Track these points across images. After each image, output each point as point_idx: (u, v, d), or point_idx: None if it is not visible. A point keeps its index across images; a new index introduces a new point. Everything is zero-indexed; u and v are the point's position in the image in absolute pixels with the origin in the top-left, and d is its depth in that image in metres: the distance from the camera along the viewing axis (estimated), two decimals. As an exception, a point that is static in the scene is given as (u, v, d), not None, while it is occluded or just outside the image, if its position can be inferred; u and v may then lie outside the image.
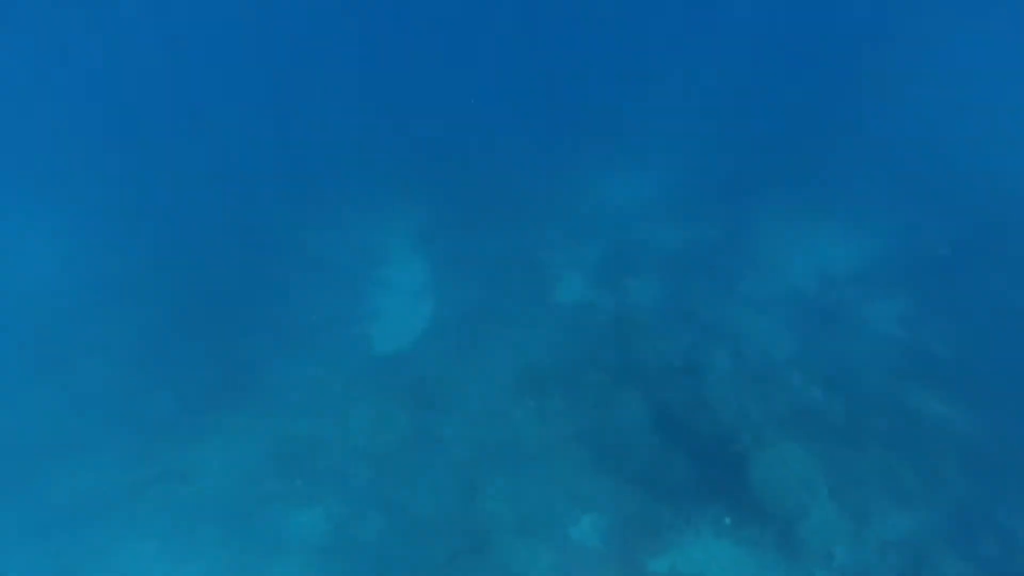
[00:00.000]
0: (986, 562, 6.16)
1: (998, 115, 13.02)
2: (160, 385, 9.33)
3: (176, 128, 14.86)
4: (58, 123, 15.70)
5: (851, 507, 6.58)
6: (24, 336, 10.28)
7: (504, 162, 13.14)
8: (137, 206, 13.43)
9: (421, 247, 12.02)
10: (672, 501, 6.87)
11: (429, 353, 9.78)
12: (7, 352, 9.99)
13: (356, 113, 14.70)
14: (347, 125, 14.69)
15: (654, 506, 6.97)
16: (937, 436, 7.46)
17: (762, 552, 6.30)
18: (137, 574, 7.38)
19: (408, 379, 9.25)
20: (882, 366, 8.54)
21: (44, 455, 8.51)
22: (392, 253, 12.05)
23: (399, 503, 7.85)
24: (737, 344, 8.86)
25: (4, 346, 10.11)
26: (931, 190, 11.37)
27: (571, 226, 11.83)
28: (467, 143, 14.05)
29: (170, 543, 7.77)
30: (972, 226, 10.63)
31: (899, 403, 7.98)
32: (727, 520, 6.56)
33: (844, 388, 8.15)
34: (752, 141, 13.27)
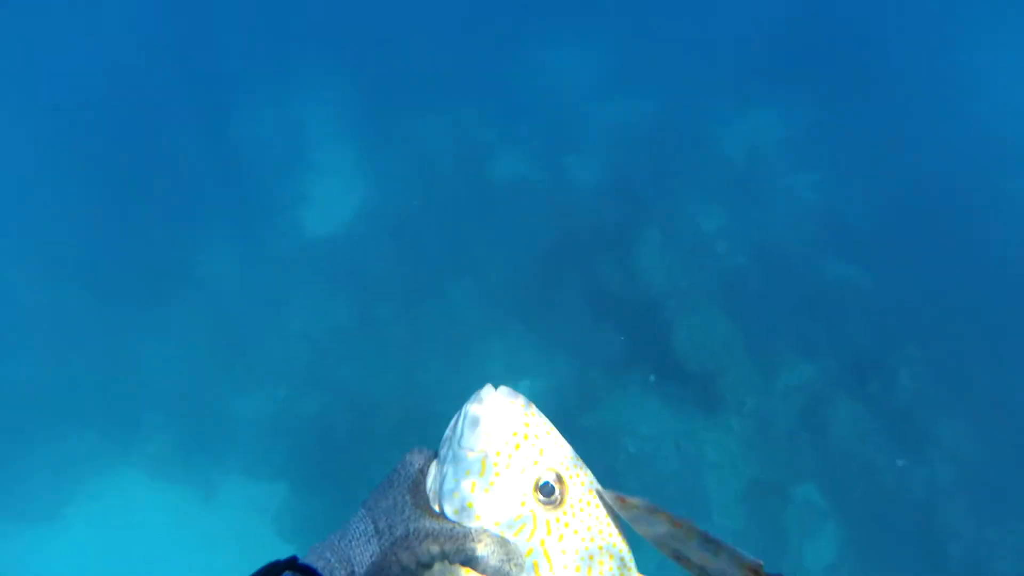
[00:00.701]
0: (870, 398, 6.97)
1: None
2: (81, 282, 8.91)
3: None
4: None
5: (763, 362, 7.20)
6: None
7: (436, 35, 12.34)
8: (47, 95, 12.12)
9: (349, 127, 11.45)
10: (602, 365, 7.31)
11: (363, 236, 9.64)
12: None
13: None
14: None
15: (586, 370, 7.41)
16: (843, 295, 8.09)
17: (683, 405, 6.89)
18: (81, 462, 7.45)
19: (342, 263, 9.17)
20: (800, 234, 9.01)
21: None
22: (319, 134, 11.45)
23: (340, 383, 8.05)
24: (669, 217, 9.10)
25: None
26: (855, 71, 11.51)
27: (507, 102, 11.45)
28: (395, 13, 13.04)
29: (112, 430, 7.81)
30: (892, 105, 10.92)
31: (813, 268, 8.53)
32: (652, 378, 7.08)
33: (765, 256, 8.60)
34: (692, 16, 12.88)
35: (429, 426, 7.77)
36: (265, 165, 10.83)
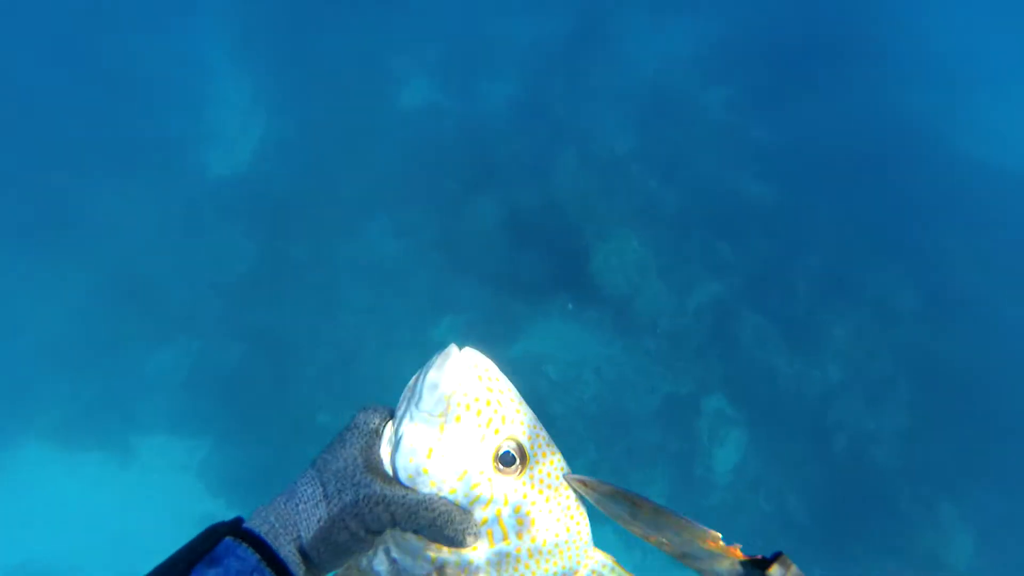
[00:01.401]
0: (771, 310, 7.47)
1: None
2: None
3: None
4: None
5: (675, 283, 7.50)
6: None
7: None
8: None
9: (248, 54, 10.52)
10: (523, 295, 7.42)
11: (270, 173, 9.12)
12: None
13: None
14: None
15: (507, 301, 7.50)
16: (750, 213, 8.43)
17: (600, 330, 7.16)
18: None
19: (250, 203, 8.68)
20: (711, 153, 9.20)
21: None
22: (215, 63, 10.49)
23: (259, 330, 7.83)
24: (585, 141, 9.05)
25: None
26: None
27: (415, 23, 10.77)
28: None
29: (19, 396, 7.35)
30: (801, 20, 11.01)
31: (722, 186, 8.79)
32: (570, 306, 7.27)
33: (677, 177, 8.77)
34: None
35: (353, 368, 7.77)
36: (154, 100, 9.88)
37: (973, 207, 8.94)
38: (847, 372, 7.33)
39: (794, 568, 0.83)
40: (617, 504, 0.92)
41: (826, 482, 6.70)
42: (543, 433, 0.96)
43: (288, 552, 0.88)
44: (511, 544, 0.94)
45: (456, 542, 0.89)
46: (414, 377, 0.96)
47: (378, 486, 0.89)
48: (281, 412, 7.32)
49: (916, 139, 9.58)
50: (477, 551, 0.93)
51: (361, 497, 0.88)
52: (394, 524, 0.89)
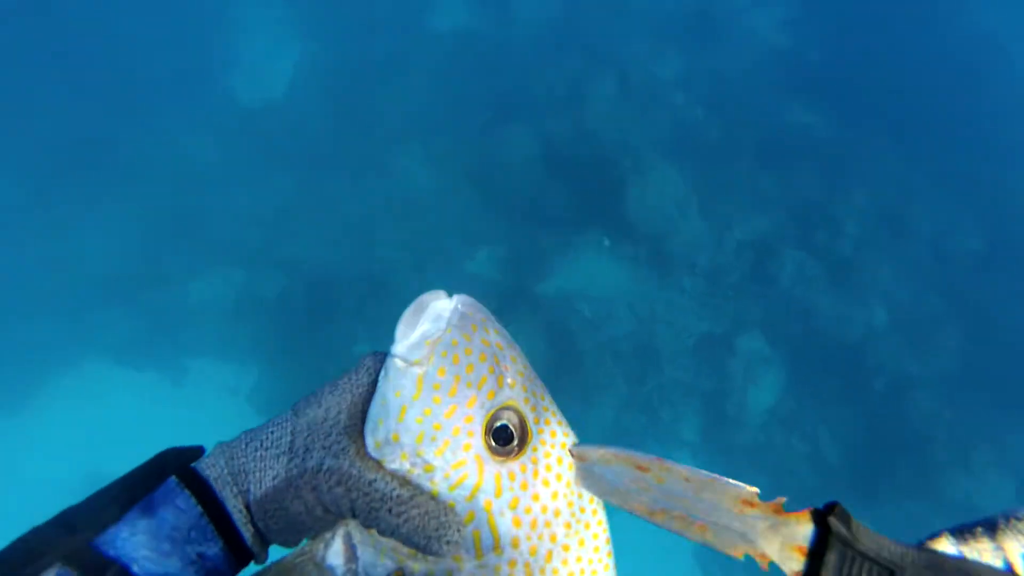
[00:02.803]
0: (816, 248, 7.19)
1: None
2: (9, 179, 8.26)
3: None
4: None
5: (715, 218, 7.25)
6: None
7: None
8: None
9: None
10: (556, 229, 7.30)
11: (302, 104, 9.01)
12: None
13: None
14: None
15: (540, 235, 7.40)
16: (798, 143, 7.99)
17: (636, 267, 7.03)
18: (43, 356, 7.45)
19: (284, 135, 8.64)
20: (760, 78, 8.66)
21: None
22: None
23: (296, 261, 7.95)
24: (624, 67, 8.61)
25: None
26: None
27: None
28: None
29: (72, 324, 7.73)
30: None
31: (771, 115, 8.32)
32: (606, 242, 7.13)
33: (723, 105, 8.31)
34: None
35: (387, 300, 7.88)
36: (187, 27, 9.73)
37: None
38: (893, 314, 7.09)
39: (855, 522, 0.66)
40: (614, 474, 0.72)
41: (861, 424, 6.62)
42: (553, 407, 0.76)
43: (234, 507, 0.73)
44: (504, 555, 0.71)
45: (429, 550, 0.70)
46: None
47: (348, 458, 0.70)
48: (323, 342, 7.53)
49: (985, 65, 8.82)
50: (459, 562, 0.71)
51: (325, 467, 0.70)
52: (353, 514, 0.71)
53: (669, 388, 6.67)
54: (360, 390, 0.75)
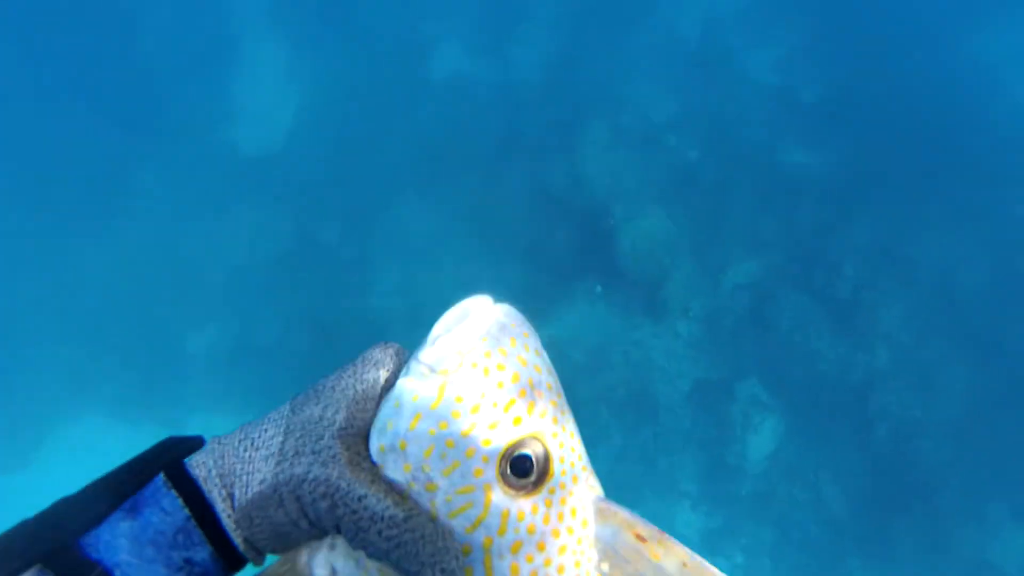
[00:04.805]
0: (814, 290, 7.06)
1: None
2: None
3: None
4: None
5: (710, 262, 7.17)
6: None
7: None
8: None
9: (277, 24, 10.47)
10: (550, 276, 7.27)
11: (301, 150, 9.16)
12: None
13: None
14: None
15: (534, 281, 7.37)
16: (795, 183, 7.92)
17: (629, 314, 6.95)
18: (43, 403, 7.52)
19: (281, 183, 8.77)
20: (755, 118, 8.65)
21: None
22: (244, 31, 10.47)
23: (293, 308, 7.99)
24: (618, 110, 8.66)
25: None
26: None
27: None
28: None
29: (71, 379, 7.81)
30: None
31: (766, 155, 8.27)
32: (599, 289, 7.07)
33: (718, 146, 8.30)
34: None
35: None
36: (191, 72, 9.99)
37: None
38: (895, 356, 6.90)
39: None
40: (612, 535, 0.65)
41: (866, 473, 6.40)
42: (582, 449, 0.68)
43: (223, 511, 0.67)
44: None
45: None
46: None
47: (337, 468, 0.63)
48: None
49: (987, 96, 8.73)
50: None
51: (311, 476, 0.63)
52: (337, 530, 0.64)
53: (665, 436, 6.53)
54: (363, 386, 0.70)
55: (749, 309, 7.03)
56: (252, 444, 0.69)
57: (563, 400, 0.69)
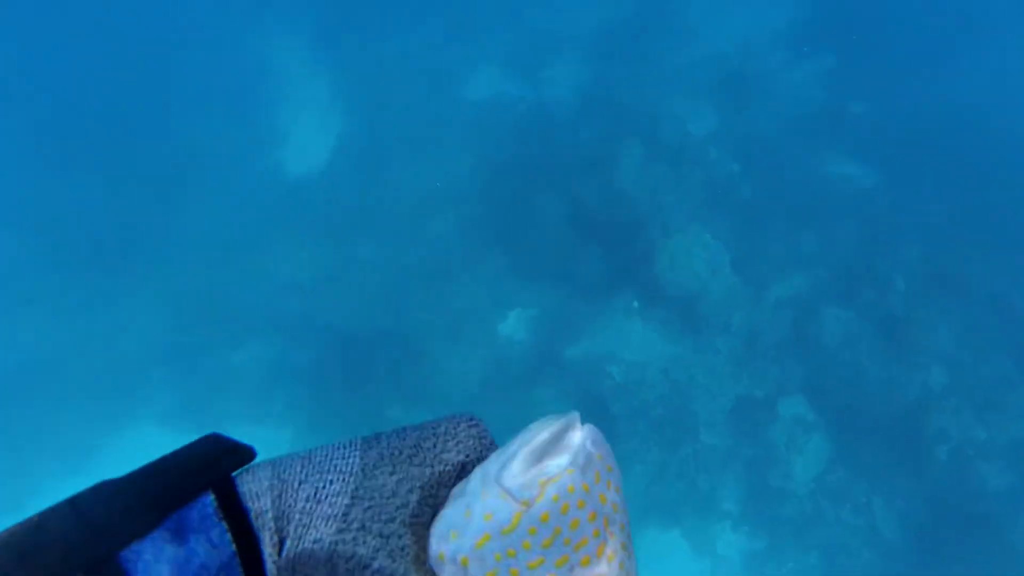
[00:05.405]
0: (863, 306, 6.78)
1: None
2: (57, 257, 8.86)
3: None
4: None
5: (751, 277, 6.99)
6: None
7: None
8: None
9: (319, 55, 10.85)
10: (586, 292, 7.20)
11: (341, 175, 9.39)
12: None
13: None
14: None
15: (570, 298, 7.32)
16: (840, 197, 7.69)
17: (667, 329, 6.81)
18: (84, 430, 7.79)
19: (322, 204, 8.99)
20: (799, 130, 8.47)
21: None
22: (288, 64, 10.88)
23: (332, 328, 8.13)
24: (655, 126, 8.61)
25: None
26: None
27: (479, 11, 10.65)
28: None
29: (112, 397, 8.08)
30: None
31: (810, 168, 8.08)
32: (635, 304, 6.96)
33: (759, 159, 8.15)
34: None
35: (420, 364, 7.87)
36: (237, 104, 10.41)
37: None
38: (953, 376, 6.55)
39: None
40: None
41: (923, 498, 6.05)
42: None
43: (270, 556, 0.65)
44: None
45: None
46: (522, 433, 0.67)
47: (404, 564, 0.62)
48: (354, 405, 7.60)
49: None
50: None
51: (375, 565, 0.61)
52: None
53: (706, 455, 6.33)
54: (441, 468, 0.67)
55: (792, 325, 6.80)
56: (315, 495, 0.67)
57: (630, 540, 0.68)
